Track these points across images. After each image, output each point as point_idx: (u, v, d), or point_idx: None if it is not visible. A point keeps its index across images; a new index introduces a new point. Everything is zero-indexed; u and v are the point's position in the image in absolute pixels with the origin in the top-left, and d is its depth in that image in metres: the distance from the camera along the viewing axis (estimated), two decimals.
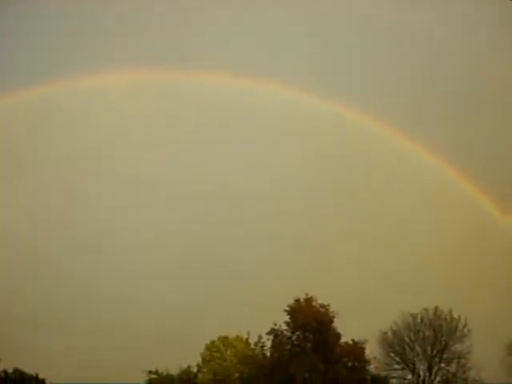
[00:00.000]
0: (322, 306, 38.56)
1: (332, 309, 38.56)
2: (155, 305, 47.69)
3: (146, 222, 55.78)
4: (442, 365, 39.57)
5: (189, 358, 41.92)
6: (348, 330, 38.69)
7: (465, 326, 39.00)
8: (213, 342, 41.45)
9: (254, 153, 59.32)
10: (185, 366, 42.69)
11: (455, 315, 39.16)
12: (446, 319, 39.30)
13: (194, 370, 42.49)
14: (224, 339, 41.54)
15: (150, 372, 41.85)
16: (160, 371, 42.21)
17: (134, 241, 55.95)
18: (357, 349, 38.74)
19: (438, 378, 39.55)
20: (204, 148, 58.92)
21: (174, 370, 42.46)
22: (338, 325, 38.62)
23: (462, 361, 39.12)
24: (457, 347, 39.36)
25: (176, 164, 59.50)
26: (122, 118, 60.30)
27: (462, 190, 51.63)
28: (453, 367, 39.52)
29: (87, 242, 53.07)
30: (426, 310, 39.47)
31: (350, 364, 38.94)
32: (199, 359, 41.65)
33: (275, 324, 38.53)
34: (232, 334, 41.31)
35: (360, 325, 40.07)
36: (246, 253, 53.61)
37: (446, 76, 57.79)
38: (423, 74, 58.44)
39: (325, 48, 60.44)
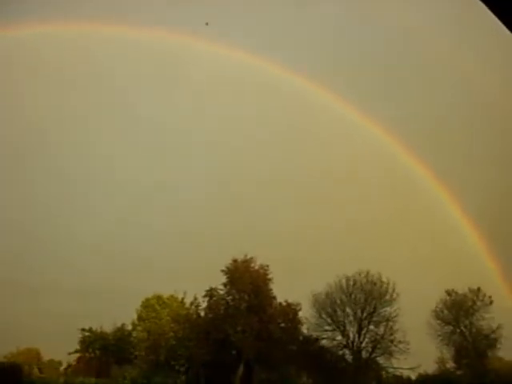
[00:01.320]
0: (261, 267, 38.77)
1: (268, 271, 38.81)
2: (89, 263, 46.91)
3: None
4: (371, 327, 40.73)
5: (123, 316, 41.83)
6: (282, 291, 39.31)
7: (393, 290, 40.15)
8: (148, 301, 41.49)
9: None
10: (119, 324, 42.79)
11: (385, 280, 40.22)
12: (376, 283, 40.28)
13: (129, 327, 42.60)
14: (159, 298, 41.63)
15: (84, 330, 41.65)
16: (94, 329, 42.09)
17: None
18: (290, 310, 39.45)
19: (366, 340, 40.67)
20: None
21: (108, 328, 42.48)
22: (273, 286, 39.03)
23: (390, 323, 40.39)
24: (385, 310, 40.52)
25: None
26: None
27: (397, 161, 52.45)
28: (381, 329, 40.72)
29: None
30: (358, 273, 40.35)
31: (283, 325, 39.54)
32: (134, 317, 41.71)
33: (211, 285, 38.50)
34: (168, 294, 41.49)
35: (294, 287, 40.67)
36: (186, 214, 53.42)
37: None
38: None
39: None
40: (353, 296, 40.55)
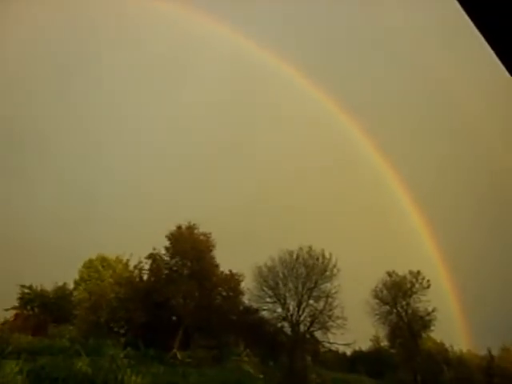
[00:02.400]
0: (203, 234, 38.96)
1: (212, 238, 39.07)
2: (34, 220, 46.24)
3: None
4: (311, 301, 41.19)
5: (65, 275, 41.52)
6: (226, 260, 39.67)
7: (335, 266, 40.79)
8: (91, 262, 41.28)
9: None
10: (61, 283, 42.48)
11: (327, 256, 40.81)
12: (318, 259, 40.84)
13: (70, 287, 42.36)
14: (103, 259, 41.47)
15: (23, 286, 41.17)
16: (34, 287, 41.67)
17: None
18: (232, 279, 39.96)
19: (305, 314, 41.16)
20: None
21: (49, 287, 42.13)
22: (217, 255, 39.33)
23: (329, 299, 40.90)
24: (326, 286, 41.07)
25: None
26: None
27: (342, 137, 53.07)
28: (320, 304, 41.17)
29: None
30: (301, 248, 40.84)
31: (224, 293, 40.04)
32: (76, 277, 41.50)
33: (154, 248, 38.49)
34: (112, 255, 41.36)
35: (238, 257, 40.99)
36: (133, 177, 53.00)
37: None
38: None
39: None
40: (295, 270, 40.97)
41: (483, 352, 60.52)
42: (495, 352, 62.35)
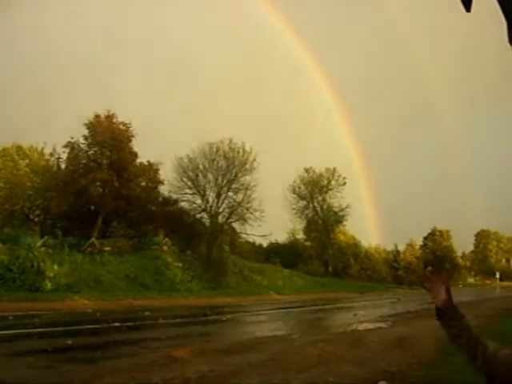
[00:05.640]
0: (123, 124, 38.24)
1: (132, 128, 38.51)
2: None
3: None
4: (230, 193, 42.57)
5: None
6: (145, 151, 39.43)
7: (254, 160, 41.86)
8: (5, 150, 39.86)
9: None
10: None
11: (247, 149, 41.55)
12: (238, 152, 41.52)
13: None
14: (19, 148, 40.15)
15: None
16: None
17: None
18: (151, 170, 39.87)
19: (224, 205, 42.57)
20: None
21: None
22: (136, 145, 38.94)
23: (248, 192, 42.47)
24: (245, 179, 42.39)
25: None
26: None
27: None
28: (239, 197, 42.73)
29: None
30: (221, 141, 41.23)
31: (143, 184, 40.06)
32: None
33: (72, 137, 37.53)
34: (26, 144, 40.09)
35: (157, 148, 40.90)
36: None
37: None
38: None
39: None
40: (215, 162, 41.63)
41: (391, 248, 65.59)
42: (401, 247, 67.73)
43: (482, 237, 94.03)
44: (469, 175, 74.81)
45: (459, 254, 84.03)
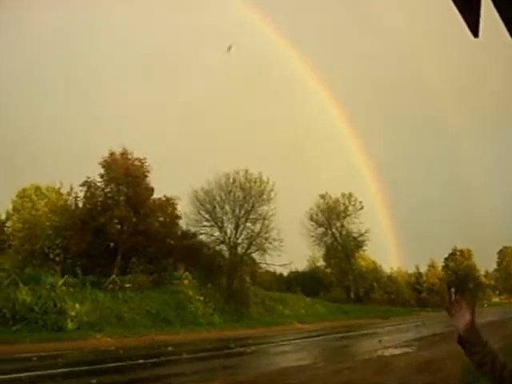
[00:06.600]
0: (138, 159, 38.70)
1: (147, 164, 38.96)
2: None
3: None
4: (248, 224, 42.39)
5: None
6: (162, 186, 39.77)
7: (271, 190, 41.94)
8: (25, 191, 40.55)
9: None
10: None
11: (264, 179, 41.76)
12: (255, 182, 41.61)
13: (3, 217, 41.67)
14: (37, 189, 40.79)
15: None
16: None
17: None
18: (168, 204, 40.11)
19: (242, 236, 42.40)
20: None
21: None
22: (152, 180, 39.32)
23: (266, 222, 42.23)
24: (262, 209, 42.26)
25: None
26: None
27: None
28: (257, 227, 42.47)
29: None
30: (237, 172, 41.44)
31: (161, 218, 40.24)
32: (9, 207, 40.79)
33: (88, 177, 38.10)
34: (43, 184, 40.72)
35: (174, 182, 41.18)
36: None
37: None
38: None
39: None
40: (232, 194, 41.73)
41: (412, 270, 64.70)
42: (423, 269, 66.75)
43: (504, 254, 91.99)
44: (487, 192, 73.89)
45: (482, 272, 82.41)
